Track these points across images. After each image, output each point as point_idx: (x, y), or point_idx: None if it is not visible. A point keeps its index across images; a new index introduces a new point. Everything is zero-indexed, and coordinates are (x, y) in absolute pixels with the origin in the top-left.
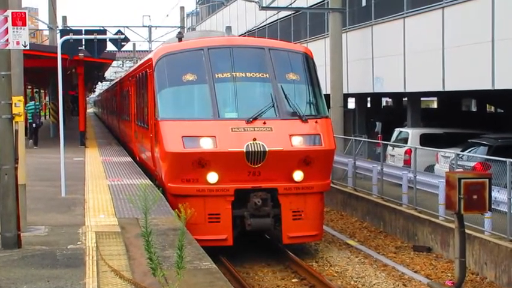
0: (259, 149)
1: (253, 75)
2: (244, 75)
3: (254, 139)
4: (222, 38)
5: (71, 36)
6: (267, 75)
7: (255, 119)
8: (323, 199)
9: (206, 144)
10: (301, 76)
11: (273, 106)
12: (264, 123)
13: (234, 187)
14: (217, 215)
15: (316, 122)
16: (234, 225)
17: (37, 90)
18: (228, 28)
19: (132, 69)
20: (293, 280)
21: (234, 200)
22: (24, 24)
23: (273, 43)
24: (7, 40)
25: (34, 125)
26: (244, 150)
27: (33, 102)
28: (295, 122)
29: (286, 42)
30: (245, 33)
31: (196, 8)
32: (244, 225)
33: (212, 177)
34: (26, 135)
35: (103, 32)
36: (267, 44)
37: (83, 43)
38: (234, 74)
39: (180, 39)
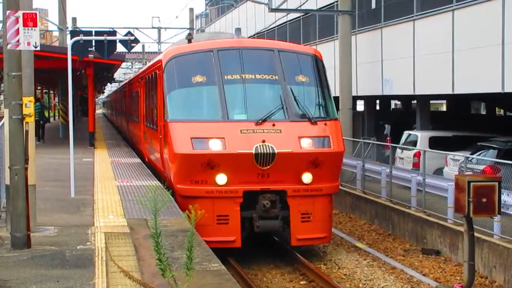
0: (268, 151)
1: (262, 77)
2: (253, 77)
3: (263, 141)
4: (231, 39)
5: (81, 37)
6: (276, 77)
7: (264, 120)
8: (332, 201)
9: (215, 146)
10: (310, 78)
11: (282, 108)
12: (273, 125)
13: (243, 189)
14: (225, 217)
15: (325, 124)
16: (242, 227)
17: (46, 90)
18: (238, 30)
19: (141, 70)
20: (301, 282)
21: (243, 202)
22: (35, 25)
23: (283, 45)
24: (18, 41)
25: (41, 122)
26: (253, 152)
27: (40, 102)
28: (305, 124)
29: (295, 44)
30: (254, 35)
31: (206, 10)
32: (252, 227)
33: (221, 178)
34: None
35: (113, 33)
36: (277, 45)
37: (93, 44)
38: (243, 75)
39: (189, 41)
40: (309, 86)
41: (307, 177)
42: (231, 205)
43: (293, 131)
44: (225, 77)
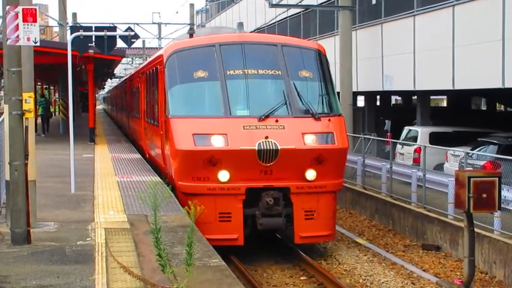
0: (271, 147)
1: (265, 72)
2: (256, 72)
3: (266, 137)
4: (233, 34)
5: (81, 32)
6: (280, 72)
7: (267, 116)
8: (336, 198)
9: (217, 142)
10: (314, 73)
11: (286, 104)
12: (276, 121)
13: (246, 186)
14: (228, 214)
15: (329, 120)
16: (245, 224)
17: (47, 86)
18: (240, 24)
19: (142, 65)
20: (301, 278)
21: (246, 199)
22: (34, 21)
23: (286, 40)
24: (18, 36)
25: (46, 116)
26: (256, 149)
27: (44, 98)
28: (308, 120)
29: (299, 39)
30: (255, 30)
31: (206, 5)
32: (255, 224)
33: (223, 175)
34: (36, 131)
35: (113, 28)
36: (280, 40)
37: (93, 40)
38: (245, 70)
39: (191, 36)
40: (313, 82)
41: (310, 174)
42: (234, 202)
43: (296, 127)
44: (227, 72)
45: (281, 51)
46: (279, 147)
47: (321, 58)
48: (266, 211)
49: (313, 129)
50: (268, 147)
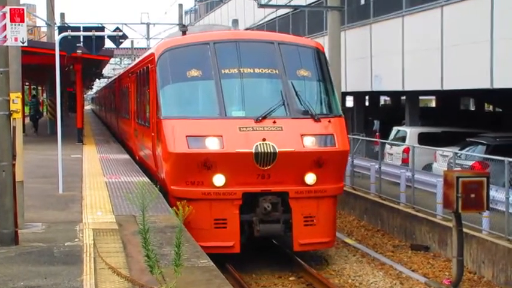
0: (269, 150)
1: (262, 71)
2: (252, 71)
3: (263, 139)
4: (228, 31)
5: (69, 33)
6: (277, 71)
7: (265, 117)
8: (336, 203)
9: (212, 145)
10: (312, 72)
11: (284, 104)
12: (274, 122)
13: (242, 190)
14: (223, 221)
15: (329, 121)
16: (241, 231)
17: (34, 87)
18: (235, 21)
19: (132, 64)
20: (290, 278)
21: (242, 205)
22: (22, 21)
23: (283, 37)
24: (5, 36)
25: (37, 116)
26: (253, 151)
27: (36, 99)
28: (307, 121)
29: (296, 37)
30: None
31: (195, 6)
32: (252, 231)
33: (218, 179)
34: (24, 131)
35: (101, 29)
36: (277, 38)
37: (81, 40)
38: (241, 69)
39: (184, 33)
40: (311, 81)
41: (310, 178)
42: (230, 208)
43: (295, 128)
44: (222, 71)
45: (278, 49)
46: (277, 150)
47: (320, 56)
48: (264, 217)
49: (312, 130)
50: (265, 150)
